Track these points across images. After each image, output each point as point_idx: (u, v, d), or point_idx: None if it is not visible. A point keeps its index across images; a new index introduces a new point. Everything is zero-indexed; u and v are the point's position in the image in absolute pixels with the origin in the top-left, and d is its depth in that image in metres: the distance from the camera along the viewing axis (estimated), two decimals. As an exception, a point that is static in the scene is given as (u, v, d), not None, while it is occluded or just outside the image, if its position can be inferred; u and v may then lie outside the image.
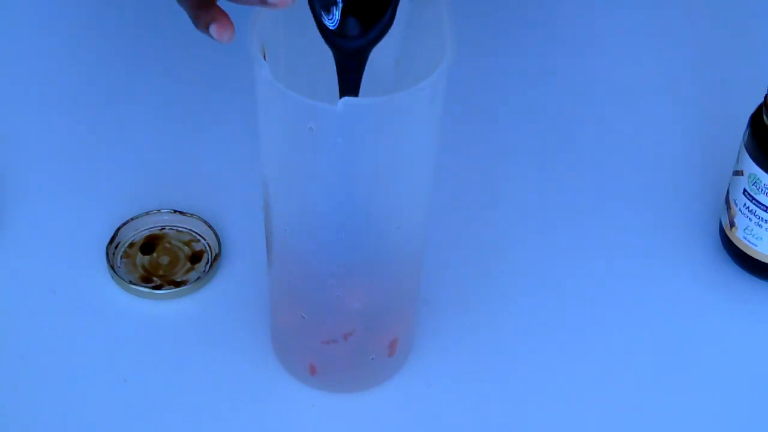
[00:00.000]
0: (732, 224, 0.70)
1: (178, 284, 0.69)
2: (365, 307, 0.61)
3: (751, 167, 0.67)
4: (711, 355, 0.68)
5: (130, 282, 0.69)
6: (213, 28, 0.56)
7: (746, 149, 0.67)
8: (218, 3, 0.57)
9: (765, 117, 0.66)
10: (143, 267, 0.70)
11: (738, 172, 0.68)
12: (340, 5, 0.54)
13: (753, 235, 0.69)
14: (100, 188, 0.75)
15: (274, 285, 0.63)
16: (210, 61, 0.82)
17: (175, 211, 0.72)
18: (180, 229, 0.72)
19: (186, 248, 0.71)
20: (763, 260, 0.69)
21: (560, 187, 0.76)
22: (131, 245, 0.71)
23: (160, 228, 0.72)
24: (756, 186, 0.67)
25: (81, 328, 0.67)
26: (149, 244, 0.71)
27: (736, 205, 0.69)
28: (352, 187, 0.56)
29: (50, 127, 0.78)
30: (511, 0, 0.89)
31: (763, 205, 0.67)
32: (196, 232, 0.72)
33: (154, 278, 0.69)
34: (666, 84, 0.84)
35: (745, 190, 0.68)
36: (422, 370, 0.66)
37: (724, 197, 0.71)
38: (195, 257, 0.71)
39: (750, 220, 0.68)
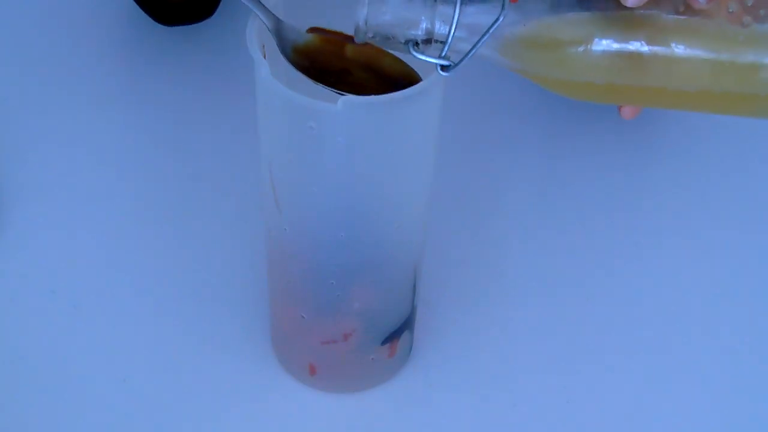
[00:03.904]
0: None
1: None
2: (365, 307, 0.61)
3: None
4: (711, 355, 0.68)
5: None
6: None
7: None
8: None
9: None
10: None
11: None
12: None
13: None
14: (99, 188, 0.75)
15: (274, 285, 0.63)
16: (210, 60, 0.82)
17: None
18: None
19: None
20: None
21: (560, 186, 0.76)
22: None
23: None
24: None
25: (80, 329, 0.67)
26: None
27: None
28: (352, 186, 0.56)
29: (50, 127, 0.78)
30: None
31: None
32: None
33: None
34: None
35: None
36: (422, 371, 0.66)
37: None
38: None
39: None
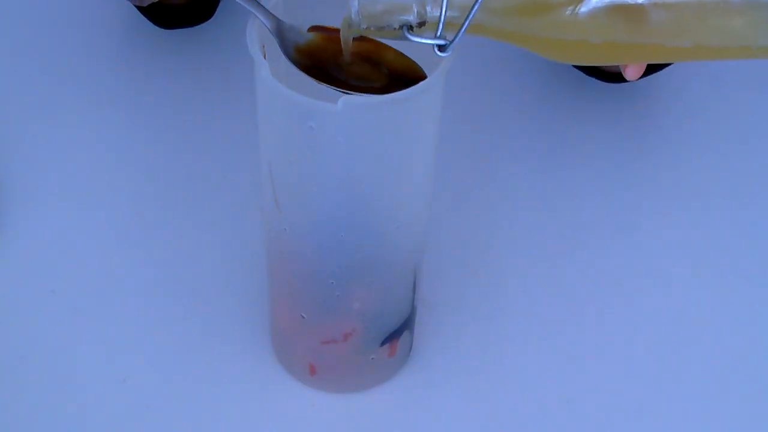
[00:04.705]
0: None
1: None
2: (365, 307, 0.61)
3: None
4: (712, 355, 0.68)
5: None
6: None
7: None
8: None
9: None
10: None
11: None
12: None
13: None
14: (100, 189, 0.75)
15: (274, 285, 0.63)
16: (209, 62, 0.82)
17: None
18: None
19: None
20: None
21: (561, 187, 0.76)
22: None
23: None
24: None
25: (80, 329, 0.67)
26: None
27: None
28: (353, 186, 0.56)
29: (50, 128, 0.78)
30: None
31: None
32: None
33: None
34: (669, 81, 0.84)
35: None
36: (422, 370, 0.66)
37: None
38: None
39: None
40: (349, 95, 0.53)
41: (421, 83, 0.53)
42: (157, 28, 0.82)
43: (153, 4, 0.78)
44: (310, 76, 0.54)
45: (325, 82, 0.54)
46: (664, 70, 0.76)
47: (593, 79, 0.79)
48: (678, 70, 0.82)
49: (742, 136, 0.80)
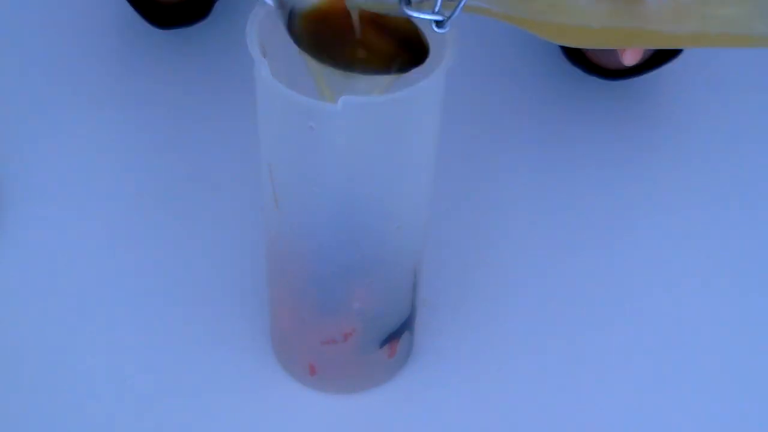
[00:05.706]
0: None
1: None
2: (365, 307, 0.61)
3: None
4: (712, 355, 0.68)
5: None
6: None
7: None
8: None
9: None
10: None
11: None
12: None
13: None
14: (99, 189, 0.75)
15: (274, 285, 0.63)
16: (207, 61, 0.82)
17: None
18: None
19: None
20: None
21: (562, 187, 0.76)
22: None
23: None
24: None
25: (80, 329, 0.67)
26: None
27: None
28: (353, 186, 0.56)
29: (48, 128, 0.78)
30: None
31: None
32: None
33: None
34: (669, 81, 0.84)
35: None
36: (422, 371, 0.66)
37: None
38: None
39: None
40: (349, 96, 0.52)
41: (422, 83, 0.53)
42: (153, 28, 0.82)
43: (148, 3, 0.78)
44: (312, 55, 0.53)
45: (327, 58, 0.53)
46: (663, 69, 0.76)
47: (593, 78, 0.79)
48: (678, 70, 0.82)
49: (742, 135, 0.80)
